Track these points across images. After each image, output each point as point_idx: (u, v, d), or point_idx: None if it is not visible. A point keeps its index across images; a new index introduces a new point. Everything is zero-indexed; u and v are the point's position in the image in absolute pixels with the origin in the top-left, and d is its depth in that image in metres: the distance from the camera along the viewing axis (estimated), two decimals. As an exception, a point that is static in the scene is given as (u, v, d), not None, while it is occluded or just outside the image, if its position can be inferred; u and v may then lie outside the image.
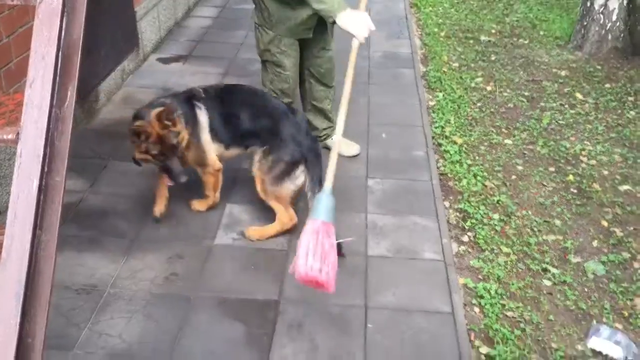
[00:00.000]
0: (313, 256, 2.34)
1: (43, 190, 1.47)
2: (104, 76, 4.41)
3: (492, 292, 2.90)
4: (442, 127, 4.35)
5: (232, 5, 6.68)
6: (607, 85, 5.15)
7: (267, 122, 3.12)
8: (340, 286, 2.85)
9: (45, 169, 1.47)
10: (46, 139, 1.47)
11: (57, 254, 1.48)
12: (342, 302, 2.77)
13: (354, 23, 2.82)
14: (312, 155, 3.11)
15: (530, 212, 3.52)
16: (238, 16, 6.31)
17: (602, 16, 5.67)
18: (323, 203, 2.49)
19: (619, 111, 4.74)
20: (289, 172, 3.06)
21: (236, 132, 3.13)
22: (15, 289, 1.40)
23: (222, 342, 2.53)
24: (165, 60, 5.25)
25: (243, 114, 3.13)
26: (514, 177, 3.86)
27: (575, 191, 3.74)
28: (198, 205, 3.30)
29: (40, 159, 1.46)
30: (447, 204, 3.56)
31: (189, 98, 3.11)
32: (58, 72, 1.52)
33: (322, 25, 3.38)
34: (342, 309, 2.73)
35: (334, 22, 2.94)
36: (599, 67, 5.49)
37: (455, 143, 4.16)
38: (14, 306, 1.39)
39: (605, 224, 3.46)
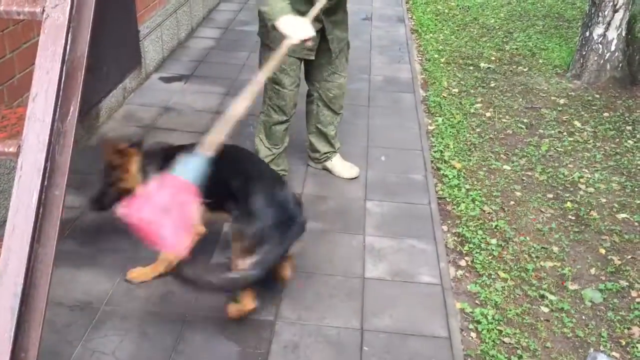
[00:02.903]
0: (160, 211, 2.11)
1: (42, 203, 1.47)
2: (106, 93, 4.43)
3: (490, 318, 2.88)
4: (441, 152, 4.36)
5: (235, 27, 6.74)
6: (606, 114, 5.19)
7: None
8: (337, 308, 2.85)
9: (46, 182, 1.48)
10: (47, 152, 1.48)
11: (53, 268, 1.48)
12: (338, 324, 2.75)
13: (291, 26, 2.85)
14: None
15: (528, 238, 3.52)
16: (241, 37, 6.37)
17: (600, 46, 5.73)
18: (195, 165, 2.26)
19: (617, 140, 4.77)
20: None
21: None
22: (11, 302, 1.39)
23: (216, 362, 2.51)
24: (167, 80, 5.28)
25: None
26: (512, 202, 3.86)
27: (573, 218, 3.74)
28: None
29: (41, 172, 1.46)
30: (445, 228, 3.55)
31: None
32: (62, 87, 1.53)
33: (334, 49, 3.40)
34: (338, 331, 2.71)
35: (273, 27, 2.94)
36: (597, 96, 5.53)
37: (454, 167, 4.18)
38: (9, 319, 1.38)
39: (603, 251, 3.46)
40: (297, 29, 2.83)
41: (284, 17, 2.87)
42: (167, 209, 2.12)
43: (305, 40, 2.84)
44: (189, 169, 2.24)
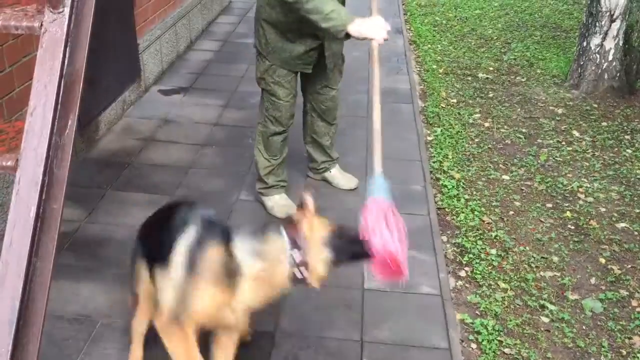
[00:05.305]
0: (392, 236, 2.05)
1: (40, 217, 1.46)
2: (105, 106, 4.45)
3: (490, 328, 2.87)
4: (440, 162, 4.37)
5: (233, 39, 6.77)
6: (604, 124, 5.20)
7: None
8: (336, 320, 2.84)
9: (44, 196, 1.48)
10: (45, 166, 1.47)
11: (51, 282, 1.47)
12: (338, 336, 2.74)
13: (368, 28, 2.78)
14: None
15: (527, 248, 3.51)
16: (239, 50, 6.39)
17: (598, 56, 5.75)
18: (381, 184, 2.27)
19: (616, 149, 4.77)
20: None
21: None
22: (8, 316, 1.38)
23: (215, 375, 2.49)
24: (166, 92, 5.29)
25: None
26: (511, 212, 3.86)
27: (572, 228, 3.74)
28: None
29: (39, 186, 1.46)
30: (444, 238, 3.55)
31: None
32: (59, 101, 1.53)
33: (329, 64, 3.41)
34: (338, 343, 2.70)
35: (347, 36, 2.88)
36: (595, 106, 5.55)
37: (453, 178, 4.18)
38: (7, 334, 1.37)
39: (602, 261, 3.45)
40: (376, 28, 2.77)
41: (353, 24, 2.81)
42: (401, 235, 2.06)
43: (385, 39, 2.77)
44: (382, 188, 2.23)
